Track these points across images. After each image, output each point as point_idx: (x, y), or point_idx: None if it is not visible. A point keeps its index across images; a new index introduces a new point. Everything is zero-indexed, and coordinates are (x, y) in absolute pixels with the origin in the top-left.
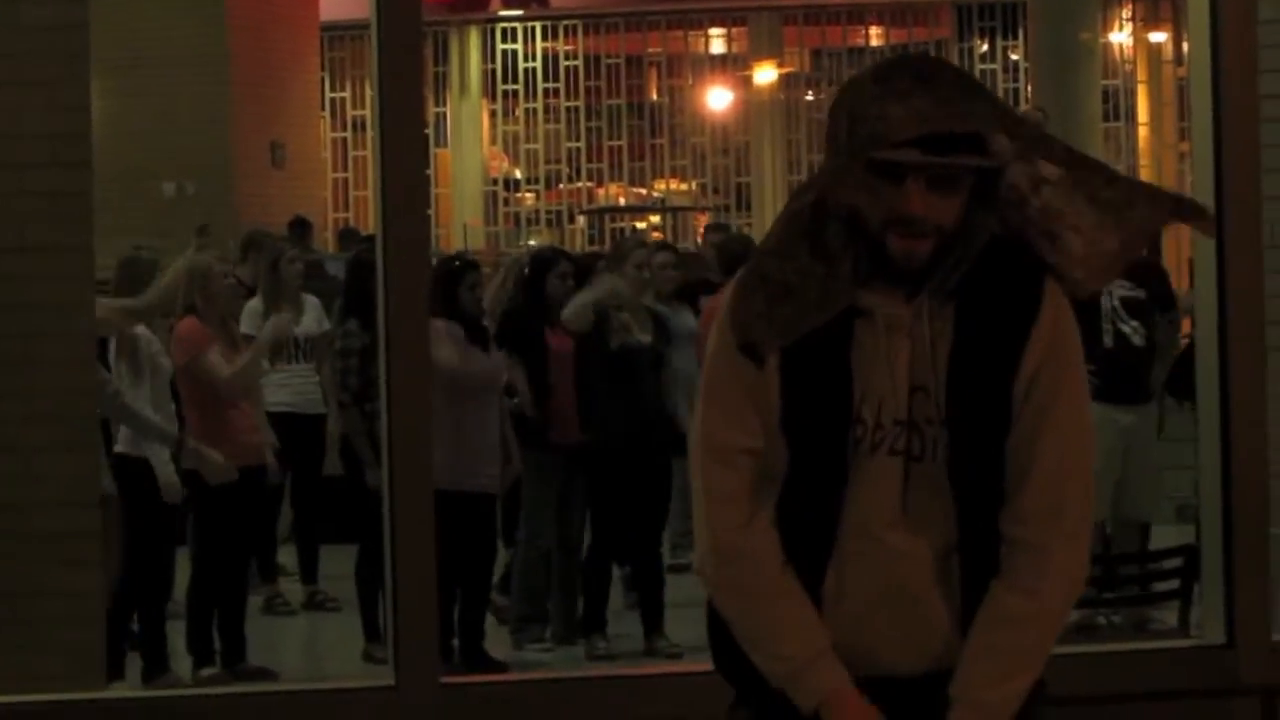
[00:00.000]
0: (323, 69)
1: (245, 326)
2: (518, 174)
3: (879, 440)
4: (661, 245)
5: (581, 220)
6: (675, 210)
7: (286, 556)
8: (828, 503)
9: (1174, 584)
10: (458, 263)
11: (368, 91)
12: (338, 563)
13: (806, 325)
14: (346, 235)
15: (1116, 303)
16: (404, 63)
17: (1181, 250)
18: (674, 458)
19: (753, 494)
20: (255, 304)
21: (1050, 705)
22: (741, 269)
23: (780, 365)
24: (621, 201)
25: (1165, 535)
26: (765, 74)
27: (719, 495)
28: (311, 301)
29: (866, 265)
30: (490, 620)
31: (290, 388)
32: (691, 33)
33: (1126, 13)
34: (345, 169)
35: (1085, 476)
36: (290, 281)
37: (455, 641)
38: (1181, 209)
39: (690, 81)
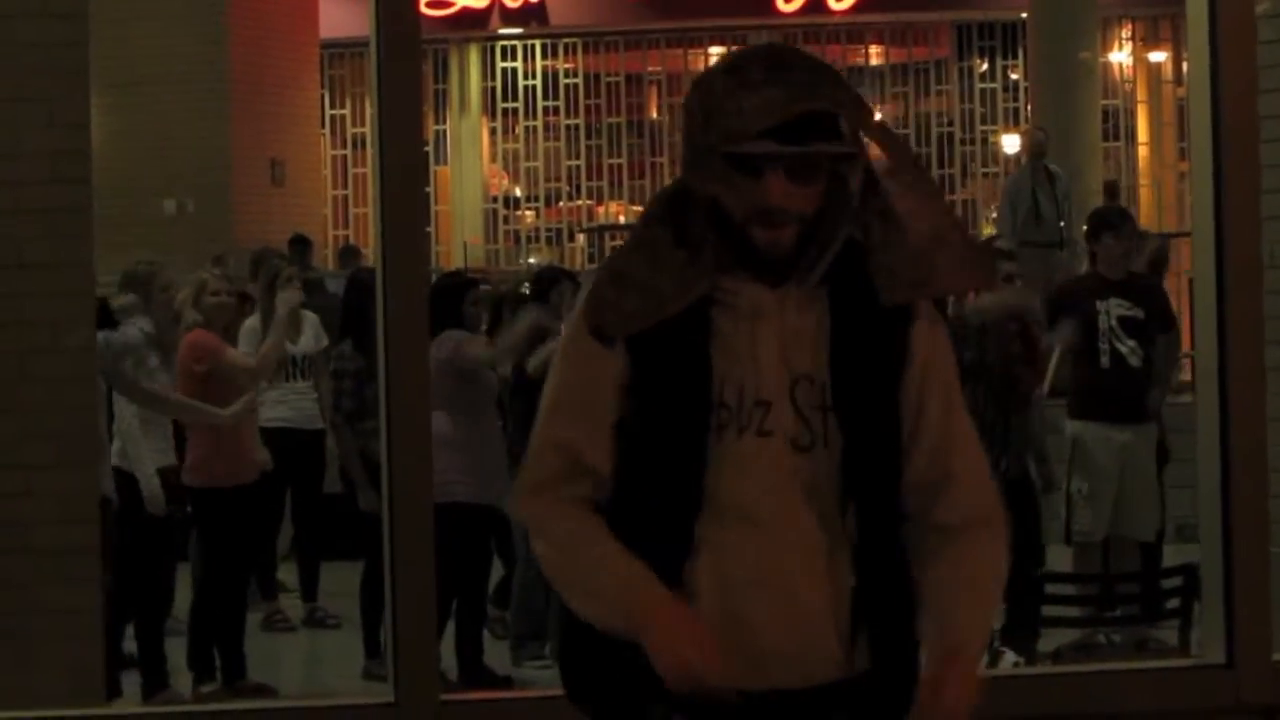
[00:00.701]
0: (323, 86)
1: (243, 345)
2: (518, 192)
3: (744, 423)
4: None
5: (581, 238)
6: None
7: (287, 573)
8: (686, 490)
9: (1174, 603)
10: (461, 278)
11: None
12: (338, 579)
13: (657, 314)
14: (347, 253)
15: (1114, 322)
16: (403, 80)
17: (1181, 270)
18: None
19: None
20: (253, 322)
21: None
22: (603, 262)
23: (630, 358)
24: (621, 220)
25: (1166, 554)
26: None
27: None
28: (310, 319)
29: (729, 255)
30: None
31: (288, 404)
32: (691, 51)
33: (1126, 32)
34: (345, 186)
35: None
36: (289, 299)
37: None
38: (978, 279)
39: None
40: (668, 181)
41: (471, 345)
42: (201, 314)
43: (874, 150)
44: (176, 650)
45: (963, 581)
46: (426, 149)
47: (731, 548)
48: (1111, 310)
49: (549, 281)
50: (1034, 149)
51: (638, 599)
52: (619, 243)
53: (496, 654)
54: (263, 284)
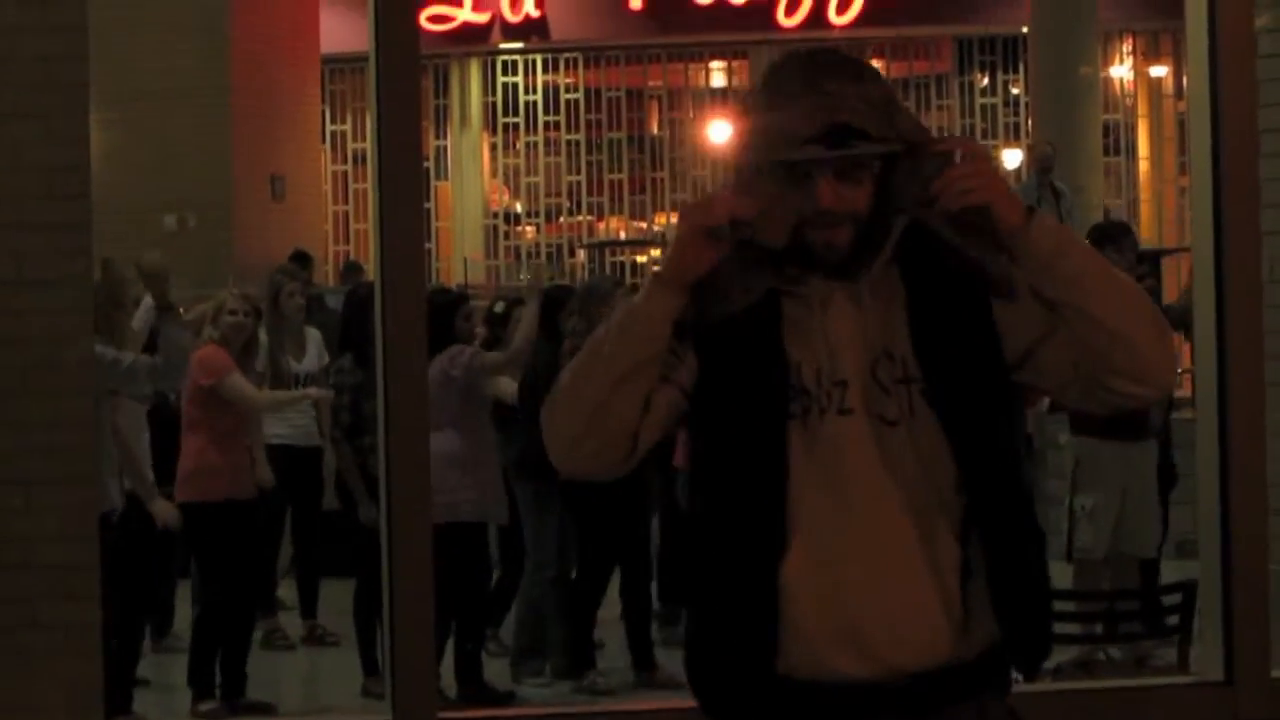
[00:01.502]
0: (323, 101)
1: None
2: (518, 207)
3: (825, 405)
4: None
5: (582, 254)
6: None
7: (286, 590)
8: (771, 478)
9: (1173, 620)
10: (453, 294)
11: (368, 124)
12: (337, 596)
13: (729, 306)
14: (349, 269)
15: None
16: (402, 95)
17: (1181, 282)
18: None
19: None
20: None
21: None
22: None
23: (699, 359)
24: (622, 235)
25: (1165, 570)
26: None
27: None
28: (313, 335)
29: (788, 260)
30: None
31: (288, 421)
32: (692, 66)
33: (1127, 47)
34: (346, 201)
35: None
36: (291, 316)
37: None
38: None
39: (691, 115)
40: (670, 197)
41: (484, 354)
42: (219, 331)
43: None
44: (177, 667)
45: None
46: (427, 164)
47: (822, 527)
48: None
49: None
50: (1041, 162)
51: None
52: (621, 259)
53: (493, 671)
54: (266, 298)
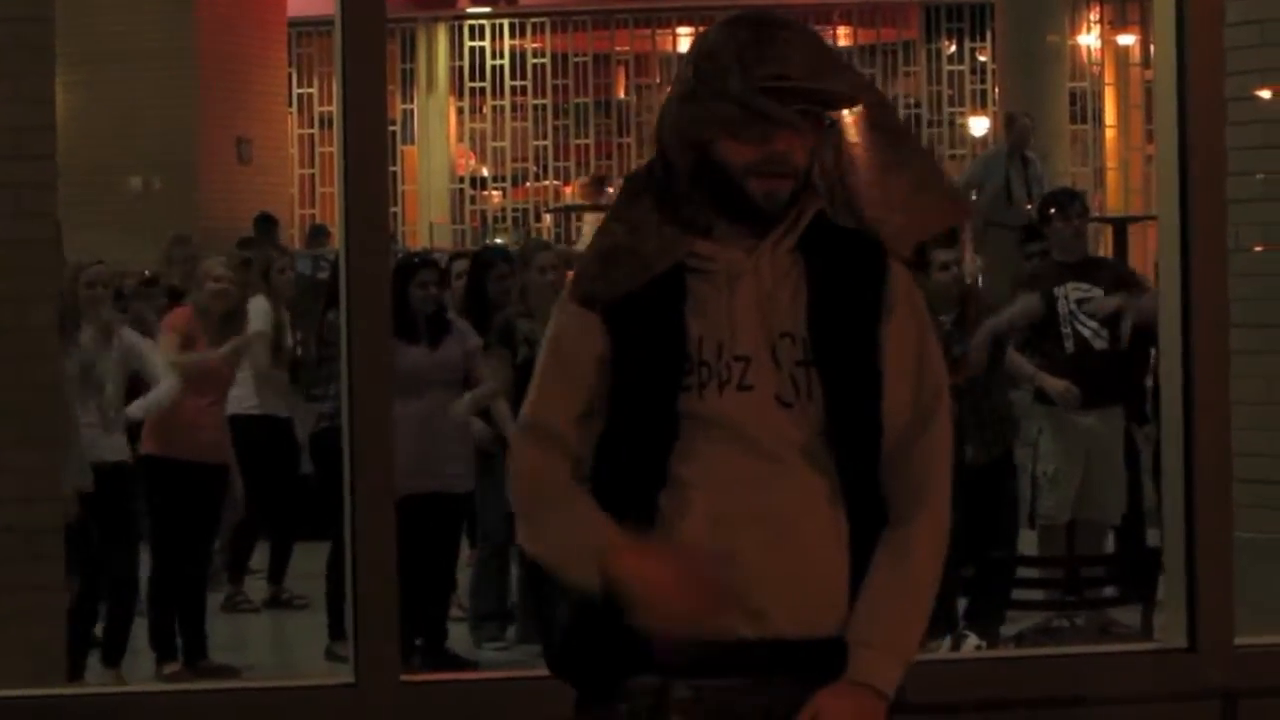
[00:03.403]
0: (290, 65)
1: (256, 323)
2: (485, 172)
3: (725, 378)
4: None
5: (548, 218)
6: None
7: (256, 555)
8: (660, 435)
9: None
10: (408, 260)
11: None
12: (307, 561)
13: (643, 275)
14: (316, 232)
15: (1073, 305)
16: (368, 59)
17: (1148, 253)
18: None
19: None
20: (260, 302)
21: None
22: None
23: (609, 330)
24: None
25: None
26: None
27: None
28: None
29: (713, 212)
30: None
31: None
32: (659, 31)
33: (1095, 15)
34: (312, 165)
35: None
36: (282, 290)
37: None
38: (960, 214)
39: (658, 80)
40: (636, 162)
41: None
42: (203, 298)
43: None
44: (140, 630)
45: (894, 588)
46: (393, 128)
47: (721, 494)
48: (1069, 294)
49: (485, 265)
50: (1019, 135)
51: (605, 541)
52: (584, 223)
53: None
54: (257, 274)
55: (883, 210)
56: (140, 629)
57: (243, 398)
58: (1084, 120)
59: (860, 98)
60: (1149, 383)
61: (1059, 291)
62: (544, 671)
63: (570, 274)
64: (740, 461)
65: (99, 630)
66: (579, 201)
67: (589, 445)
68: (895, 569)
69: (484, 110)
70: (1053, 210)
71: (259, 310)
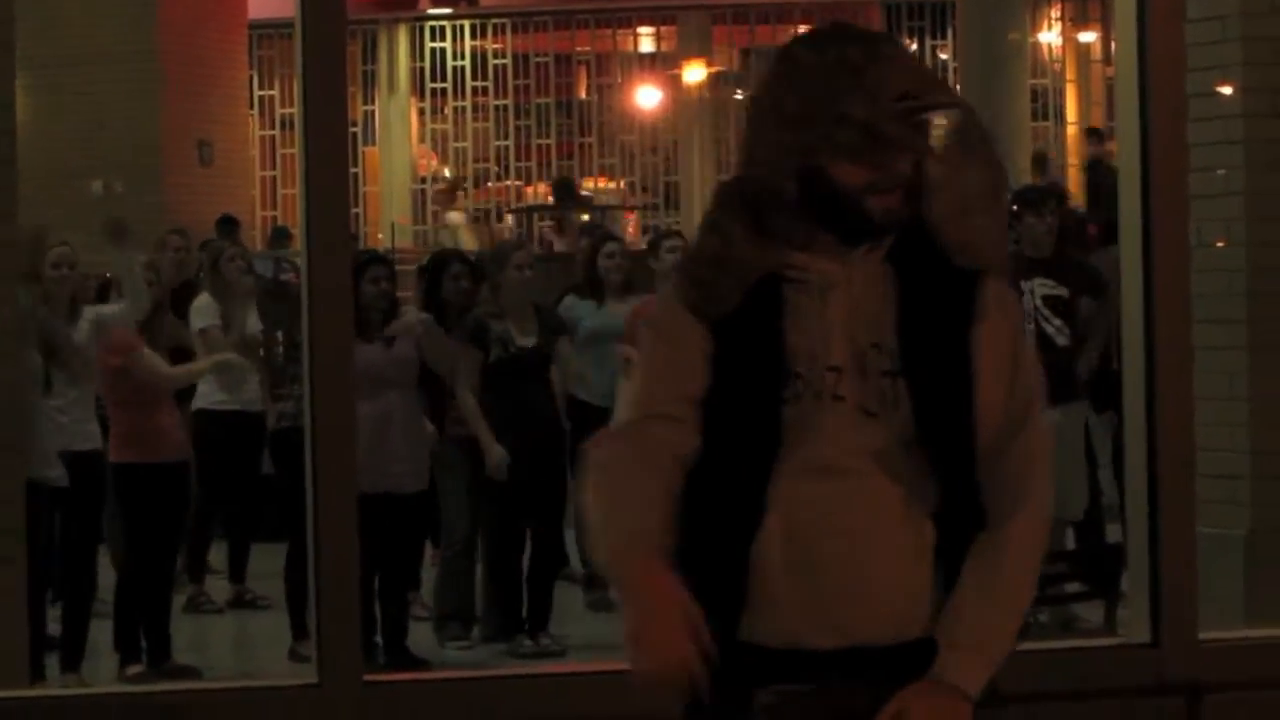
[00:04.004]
0: (251, 67)
1: (196, 321)
2: (446, 172)
3: (819, 389)
4: (608, 235)
5: (510, 219)
6: (604, 209)
7: (215, 555)
8: (760, 454)
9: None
10: (366, 256)
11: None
12: (269, 561)
13: (742, 285)
14: (278, 234)
15: (1039, 301)
16: (328, 61)
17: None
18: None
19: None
20: (203, 300)
21: (1002, 703)
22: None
23: (714, 337)
24: (550, 200)
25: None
26: (694, 73)
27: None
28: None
29: (820, 228)
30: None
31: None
32: (620, 31)
33: (1056, 12)
34: (274, 167)
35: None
36: (233, 279)
37: (379, 639)
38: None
39: (619, 80)
40: (598, 162)
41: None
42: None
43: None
44: (102, 632)
45: (985, 589)
46: (354, 130)
47: (804, 500)
48: (1036, 290)
49: (440, 265)
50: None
51: (634, 557)
52: (547, 224)
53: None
54: (206, 265)
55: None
56: (102, 630)
57: (209, 392)
58: (1045, 117)
59: (961, 104)
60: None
61: (1025, 286)
62: (507, 670)
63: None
64: (821, 475)
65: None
66: (544, 202)
67: (694, 436)
68: (987, 570)
69: (445, 111)
70: (1026, 207)
71: (201, 307)
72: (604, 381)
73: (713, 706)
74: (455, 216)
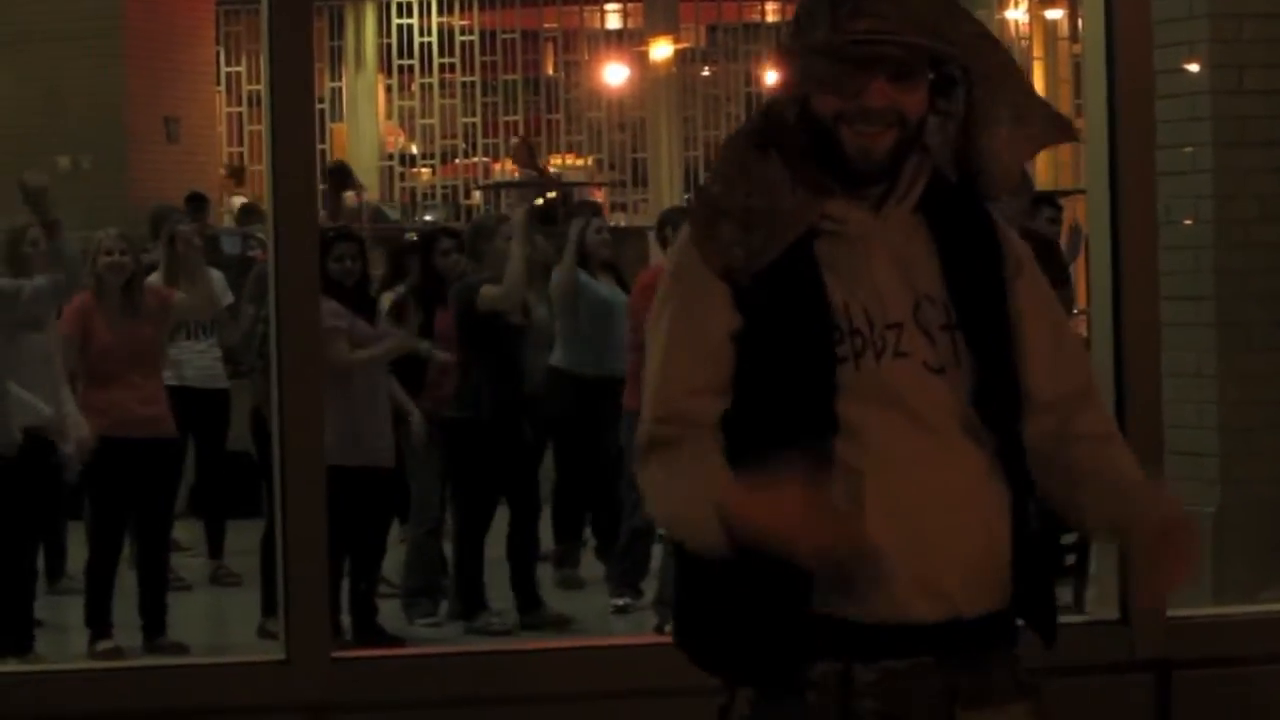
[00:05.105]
0: (218, 43)
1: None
2: (414, 149)
3: (880, 347)
4: (596, 211)
5: (477, 195)
6: (571, 186)
7: (184, 531)
8: (820, 416)
9: (1069, 560)
10: (330, 233)
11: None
12: (241, 538)
13: (783, 240)
14: (246, 211)
15: None
16: (295, 37)
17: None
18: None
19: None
20: (155, 279)
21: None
22: (690, 207)
23: (739, 302)
24: (516, 176)
25: None
26: (661, 50)
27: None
28: (214, 275)
29: (824, 173)
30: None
31: (188, 363)
32: (587, 8)
33: None
34: (241, 144)
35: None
36: (187, 256)
37: (347, 616)
38: (1066, 133)
39: (586, 57)
40: (565, 139)
41: (332, 341)
42: (95, 274)
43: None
44: (74, 609)
45: (1137, 472)
46: (322, 106)
47: (895, 473)
48: None
49: (430, 240)
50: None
51: (721, 491)
52: (512, 200)
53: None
54: (163, 240)
55: (984, 160)
56: (72, 607)
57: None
58: None
59: (970, 55)
60: None
61: None
62: (474, 647)
63: (685, 238)
64: (908, 437)
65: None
66: (510, 173)
67: (726, 402)
68: (1103, 453)
69: (412, 88)
70: None
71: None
72: (604, 353)
73: (777, 683)
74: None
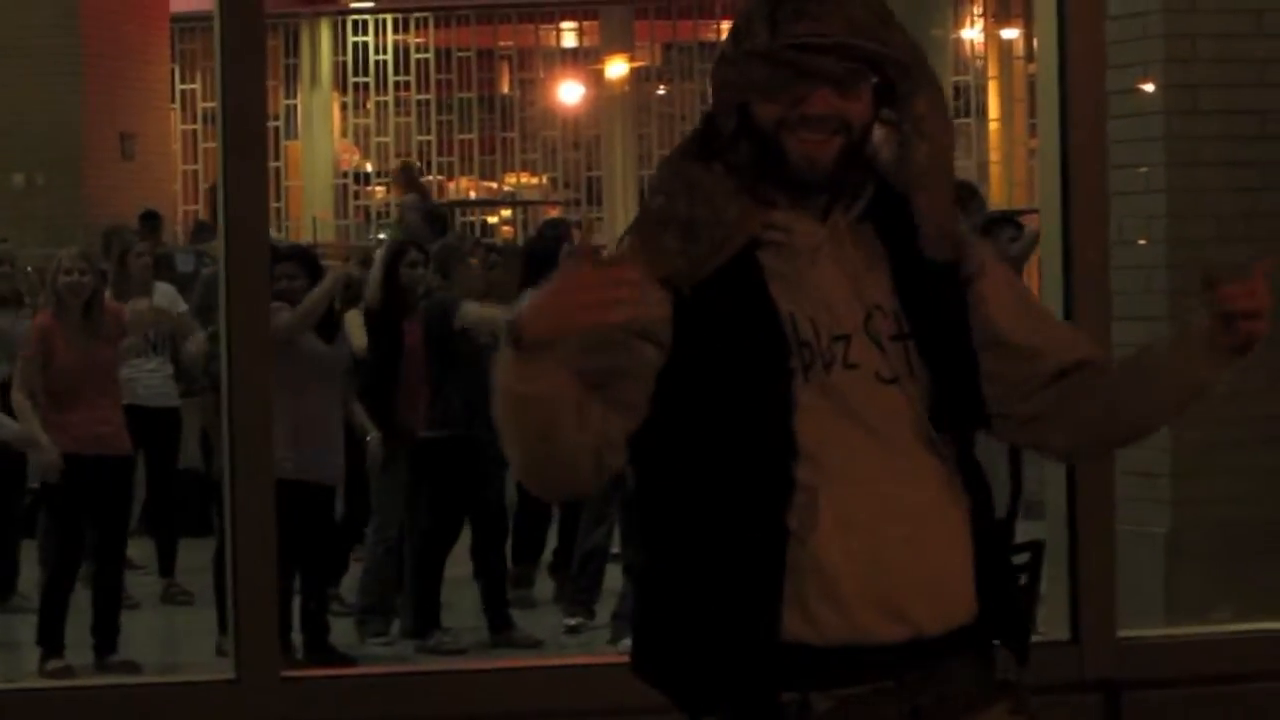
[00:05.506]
0: (173, 60)
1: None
2: (368, 167)
3: (829, 359)
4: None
5: None
6: (526, 204)
7: (136, 549)
8: (779, 435)
9: (1022, 579)
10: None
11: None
12: (193, 555)
13: (728, 249)
14: (200, 229)
15: None
16: (247, 54)
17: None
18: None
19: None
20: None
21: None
22: (632, 221)
23: (677, 318)
24: (472, 195)
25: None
26: (616, 68)
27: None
28: (164, 289)
29: (768, 183)
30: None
31: (139, 381)
32: (543, 26)
33: (978, 9)
34: (195, 161)
35: None
36: (138, 275)
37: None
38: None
39: (541, 75)
40: (520, 157)
41: (274, 315)
42: (55, 294)
43: None
44: (26, 627)
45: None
46: (276, 124)
47: (848, 488)
48: None
49: (397, 253)
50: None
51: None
52: (471, 219)
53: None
54: (114, 258)
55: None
56: (22, 625)
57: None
58: (968, 114)
59: (909, 61)
60: None
61: None
62: (423, 666)
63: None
64: (861, 450)
65: None
66: (466, 197)
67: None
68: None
69: (367, 105)
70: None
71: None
72: None
73: (744, 714)
74: None
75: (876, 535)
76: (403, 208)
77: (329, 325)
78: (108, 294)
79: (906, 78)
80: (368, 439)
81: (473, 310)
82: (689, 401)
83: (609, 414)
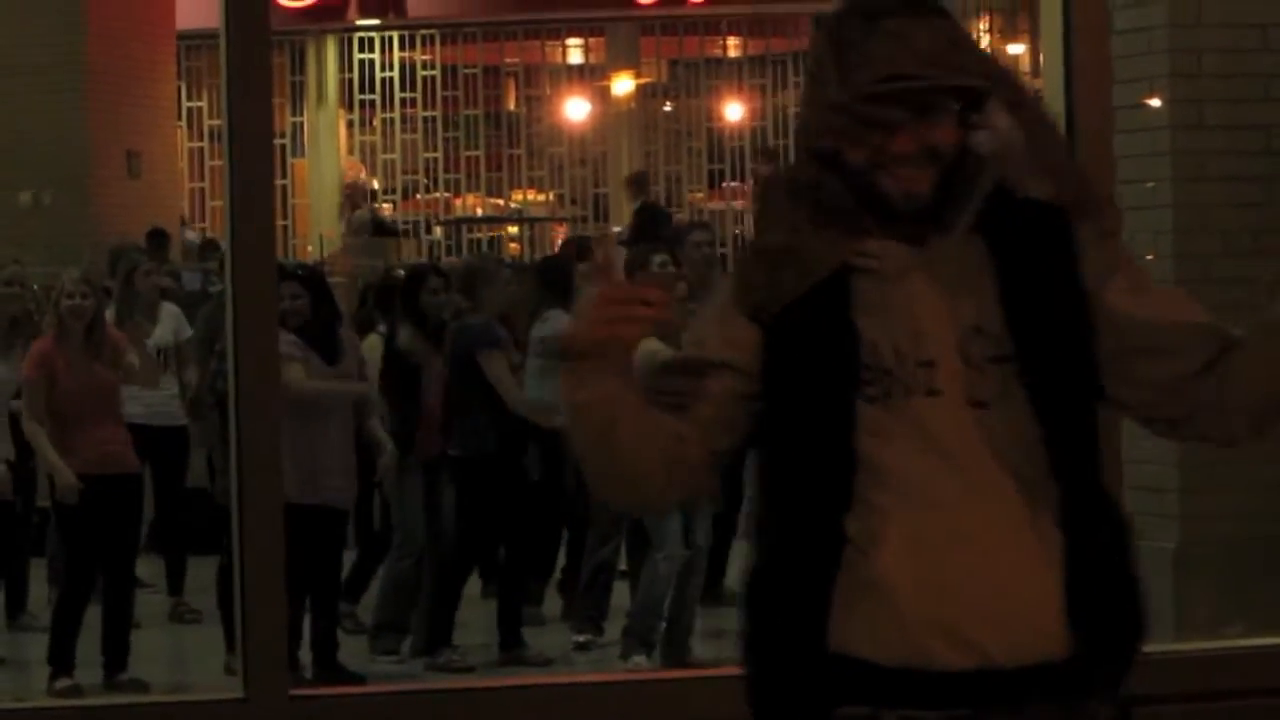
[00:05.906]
0: (180, 78)
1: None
2: (375, 184)
3: (911, 385)
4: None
5: (439, 231)
6: (533, 221)
7: (144, 567)
8: (840, 453)
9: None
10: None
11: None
12: (202, 574)
13: (810, 278)
14: (207, 246)
15: None
16: (253, 71)
17: None
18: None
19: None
20: (109, 316)
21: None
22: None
23: (767, 343)
24: (479, 212)
25: None
26: (623, 84)
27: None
28: (170, 310)
29: (868, 217)
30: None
31: (142, 400)
32: (549, 43)
33: (984, 24)
34: (202, 179)
35: None
36: (145, 294)
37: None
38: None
39: (548, 92)
40: (526, 173)
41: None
42: (58, 317)
43: None
44: (36, 645)
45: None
46: (283, 142)
47: (918, 513)
48: None
49: (418, 278)
50: None
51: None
52: (477, 235)
53: (350, 649)
54: (120, 277)
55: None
56: (32, 644)
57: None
58: None
59: (991, 81)
60: None
61: None
62: (437, 684)
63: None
64: (936, 477)
65: None
66: (473, 214)
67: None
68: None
69: (374, 123)
70: None
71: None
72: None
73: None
74: None
75: (945, 560)
76: (349, 221)
77: (332, 346)
78: (110, 316)
79: (988, 94)
80: (382, 455)
81: (494, 366)
82: (769, 423)
83: (687, 434)
